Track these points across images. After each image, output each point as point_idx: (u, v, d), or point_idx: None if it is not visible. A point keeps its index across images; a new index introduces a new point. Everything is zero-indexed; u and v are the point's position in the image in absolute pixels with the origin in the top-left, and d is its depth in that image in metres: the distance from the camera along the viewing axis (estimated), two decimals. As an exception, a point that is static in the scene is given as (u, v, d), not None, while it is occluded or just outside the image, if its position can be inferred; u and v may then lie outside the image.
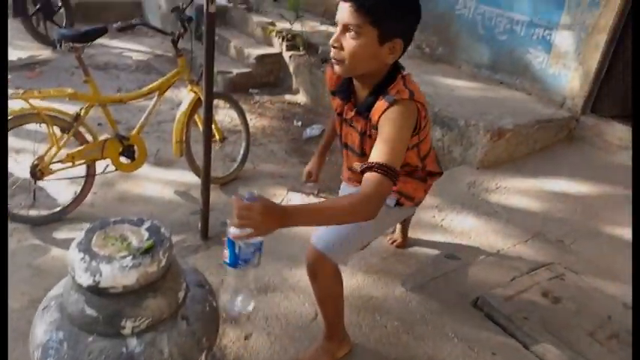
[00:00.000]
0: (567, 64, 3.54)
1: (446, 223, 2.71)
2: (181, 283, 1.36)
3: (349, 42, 1.38)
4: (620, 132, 3.40)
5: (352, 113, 1.58)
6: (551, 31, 3.59)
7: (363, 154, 1.61)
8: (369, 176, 1.32)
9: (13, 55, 4.86)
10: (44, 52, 4.93)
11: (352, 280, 2.20)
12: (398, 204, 1.78)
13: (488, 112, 3.39)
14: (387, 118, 1.39)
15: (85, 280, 1.19)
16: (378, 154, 1.34)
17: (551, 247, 2.55)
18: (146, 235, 1.31)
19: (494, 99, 3.69)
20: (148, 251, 1.25)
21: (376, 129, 1.43)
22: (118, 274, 1.19)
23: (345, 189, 1.95)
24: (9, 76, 4.39)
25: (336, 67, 1.46)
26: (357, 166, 1.53)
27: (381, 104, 1.42)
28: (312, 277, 1.65)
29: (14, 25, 5.13)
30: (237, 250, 1.34)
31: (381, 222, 1.61)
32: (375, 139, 1.41)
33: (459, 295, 2.17)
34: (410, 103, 1.42)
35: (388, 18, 1.35)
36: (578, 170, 3.25)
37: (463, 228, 2.67)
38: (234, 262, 1.36)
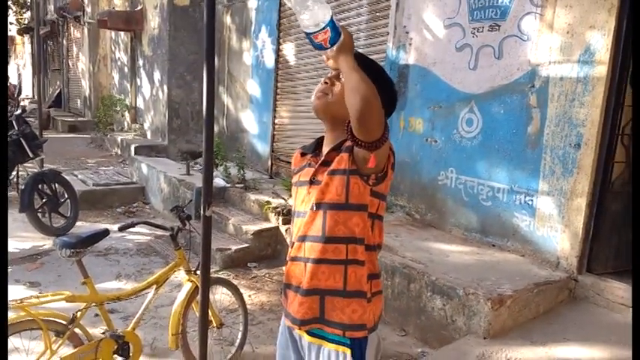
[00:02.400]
0: (554, 227, 3.65)
1: (458, 405, 2.54)
2: None
3: (338, 85, 1.56)
4: (619, 290, 3.38)
5: (317, 166, 1.61)
6: (532, 197, 3.78)
7: (316, 207, 1.56)
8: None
9: (16, 247, 5.00)
10: (47, 242, 5.07)
11: None
12: (352, 344, 1.51)
13: (485, 277, 3.40)
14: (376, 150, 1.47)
15: None
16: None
17: None
18: None
19: (488, 263, 3.73)
20: None
21: (352, 149, 1.50)
22: None
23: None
24: (11, 269, 4.47)
25: (317, 101, 1.58)
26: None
27: (355, 150, 1.49)
28: None
29: (18, 217, 5.37)
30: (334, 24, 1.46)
31: None
32: (343, 174, 1.51)
33: None
34: (387, 143, 1.49)
35: (375, 75, 1.46)
36: (586, 333, 3.15)
37: (477, 410, 2.50)
38: None
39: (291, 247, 1.64)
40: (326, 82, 1.58)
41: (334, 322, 1.52)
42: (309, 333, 1.57)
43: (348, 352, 1.50)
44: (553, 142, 3.63)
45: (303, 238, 1.58)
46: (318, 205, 1.53)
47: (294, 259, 1.61)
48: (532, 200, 3.77)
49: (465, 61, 4.20)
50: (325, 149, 1.61)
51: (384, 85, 1.54)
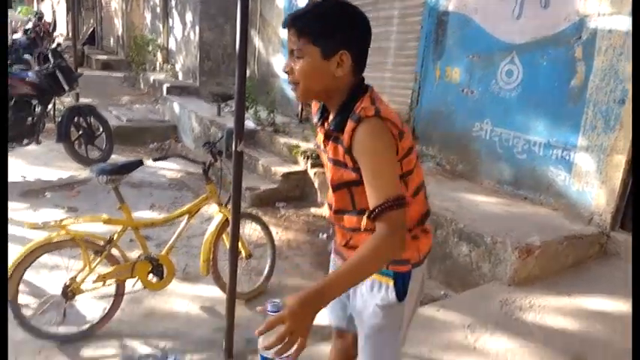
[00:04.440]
0: (590, 182, 3.58)
1: (479, 344, 2.59)
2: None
3: (297, 64, 1.38)
4: (652, 248, 3.33)
5: (323, 138, 1.49)
6: (569, 152, 3.69)
7: (337, 188, 1.48)
8: (378, 222, 1.26)
9: (55, 175, 5.17)
10: (84, 173, 5.23)
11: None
12: (395, 276, 1.50)
13: (514, 228, 3.38)
14: (359, 144, 1.31)
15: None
16: (372, 194, 1.28)
17: (594, 372, 2.40)
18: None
19: (519, 214, 3.70)
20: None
21: (349, 153, 1.35)
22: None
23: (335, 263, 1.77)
24: (49, 195, 4.65)
25: (295, 92, 1.43)
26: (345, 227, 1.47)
27: (349, 125, 1.33)
28: None
29: (56, 148, 5.53)
30: None
31: (394, 315, 1.53)
32: (346, 168, 1.38)
33: None
34: (377, 120, 1.30)
35: (324, 33, 1.34)
36: (614, 287, 3.14)
37: (498, 350, 2.55)
38: None
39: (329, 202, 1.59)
40: (286, 72, 1.43)
41: None
42: None
43: (391, 282, 1.49)
44: (597, 97, 3.50)
45: (337, 211, 1.53)
46: (337, 187, 1.47)
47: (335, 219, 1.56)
48: (569, 155, 3.68)
49: (508, 10, 4.02)
50: (331, 116, 1.48)
51: (352, 33, 1.38)
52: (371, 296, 1.52)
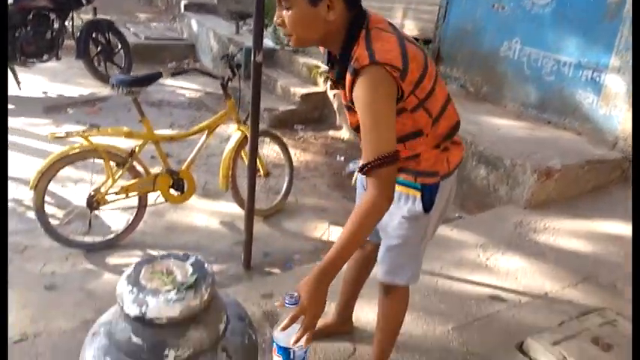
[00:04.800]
0: (618, 106, 3.45)
1: (491, 262, 2.65)
2: (222, 316, 1.39)
3: (287, 15, 1.33)
4: (676, 174, 3.26)
5: (332, 84, 1.49)
6: (600, 72, 3.54)
7: (357, 130, 1.44)
8: (368, 177, 1.30)
9: (75, 92, 5.21)
10: (104, 90, 5.23)
11: (392, 319, 2.17)
12: (423, 188, 1.50)
13: (535, 151, 3.33)
14: (356, 99, 1.30)
15: (133, 310, 1.24)
16: (365, 148, 1.30)
17: (602, 291, 2.44)
18: (190, 270, 1.35)
19: (541, 138, 3.63)
20: (191, 286, 1.29)
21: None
22: (163, 306, 1.24)
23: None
24: (71, 111, 4.71)
25: (290, 43, 1.39)
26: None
27: (348, 78, 1.31)
28: (384, 296, 1.71)
29: (76, 65, 5.51)
30: (291, 356, 1.35)
31: (419, 227, 1.55)
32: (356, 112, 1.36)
33: (502, 338, 2.10)
34: (372, 68, 1.26)
35: None
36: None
37: (509, 268, 2.60)
38: None
39: None
40: (279, 24, 1.37)
41: (407, 169, 1.50)
42: None
43: (418, 195, 1.50)
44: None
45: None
46: (356, 129, 1.42)
47: None
48: (600, 76, 3.53)
49: None
50: (335, 62, 1.42)
51: None
52: (397, 208, 1.52)
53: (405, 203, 1.52)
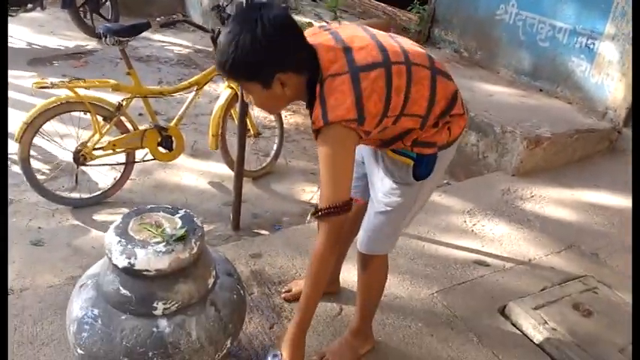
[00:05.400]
0: (611, 74, 3.44)
1: (477, 228, 2.68)
2: (211, 270, 1.40)
3: (251, 97, 1.42)
4: (664, 145, 3.29)
5: None
6: (594, 40, 3.50)
7: None
8: (320, 222, 1.38)
9: (61, 44, 5.06)
10: (90, 43, 5.09)
11: (378, 280, 2.20)
12: (418, 158, 1.48)
13: (526, 119, 3.33)
14: (318, 151, 1.37)
15: (121, 262, 1.24)
16: (321, 194, 1.37)
17: (585, 259, 2.49)
18: (180, 223, 1.35)
19: (532, 106, 3.62)
20: (180, 239, 1.29)
21: None
22: (152, 258, 1.24)
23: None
24: (56, 64, 4.58)
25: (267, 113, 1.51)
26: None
27: (313, 134, 1.39)
28: (362, 268, 1.71)
29: (62, 16, 5.33)
30: None
31: (408, 195, 1.54)
32: None
33: (486, 302, 2.15)
34: (327, 129, 1.31)
35: (252, 74, 1.31)
36: (617, 183, 3.16)
37: (494, 235, 2.64)
38: None
39: None
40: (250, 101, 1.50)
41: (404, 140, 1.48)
42: None
43: (411, 163, 1.48)
44: (633, -20, 3.25)
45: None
46: None
47: None
48: (594, 44, 3.51)
49: None
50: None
51: (275, 55, 1.28)
52: (389, 174, 1.52)
53: (398, 170, 1.51)
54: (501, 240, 2.60)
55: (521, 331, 2.01)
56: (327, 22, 5.07)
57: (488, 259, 2.43)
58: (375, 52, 1.33)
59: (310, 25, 5.09)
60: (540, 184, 3.11)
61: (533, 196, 3.00)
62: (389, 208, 1.56)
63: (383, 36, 1.42)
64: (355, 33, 1.40)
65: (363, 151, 1.65)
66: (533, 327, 1.99)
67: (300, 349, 1.49)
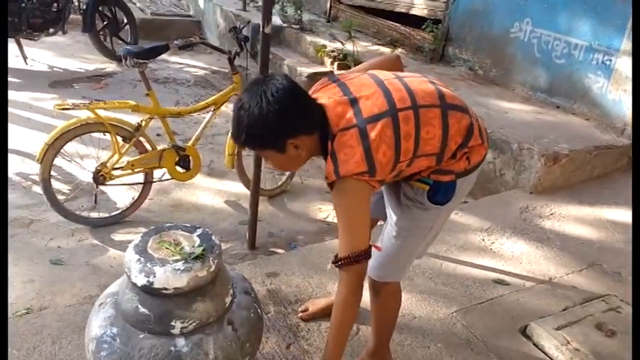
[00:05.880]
0: (629, 90, 3.41)
1: (495, 247, 2.64)
2: (229, 289, 1.40)
3: (269, 162, 1.49)
4: (685, 162, 3.23)
5: None
6: (611, 56, 3.49)
7: None
8: (341, 271, 1.40)
9: (81, 66, 5.18)
10: (110, 66, 5.21)
11: (396, 299, 2.18)
12: (435, 184, 1.47)
13: (543, 135, 3.30)
14: (333, 204, 1.43)
15: (140, 280, 1.24)
16: (340, 244, 1.39)
17: (607, 278, 2.44)
18: (198, 241, 1.36)
19: (549, 123, 3.59)
20: (199, 257, 1.29)
21: None
22: (170, 276, 1.24)
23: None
24: (77, 86, 4.69)
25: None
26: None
27: (328, 187, 1.41)
28: (374, 295, 1.68)
29: (82, 39, 5.47)
30: None
31: (423, 220, 1.53)
32: None
33: (506, 322, 2.11)
34: (340, 182, 1.33)
35: (267, 143, 1.37)
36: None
37: (513, 253, 2.60)
38: None
39: None
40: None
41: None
42: None
43: (426, 188, 1.47)
44: (649, -4, 3.23)
45: None
46: None
47: None
48: (610, 60, 3.49)
49: None
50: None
51: (286, 125, 1.33)
52: (405, 197, 1.52)
53: (414, 193, 1.50)
54: (521, 258, 2.56)
55: (544, 352, 1.96)
56: (342, 43, 5.14)
57: (508, 278, 2.39)
58: (380, 101, 1.35)
59: (324, 46, 5.16)
60: (559, 202, 3.06)
61: (552, 214, 2.96)
62: (404, 233, 1.55)
63: (390, 79, 1.42)
64: (362, 82, 1.41)
65: None
66: (556, 348, 1.94)
67: None
